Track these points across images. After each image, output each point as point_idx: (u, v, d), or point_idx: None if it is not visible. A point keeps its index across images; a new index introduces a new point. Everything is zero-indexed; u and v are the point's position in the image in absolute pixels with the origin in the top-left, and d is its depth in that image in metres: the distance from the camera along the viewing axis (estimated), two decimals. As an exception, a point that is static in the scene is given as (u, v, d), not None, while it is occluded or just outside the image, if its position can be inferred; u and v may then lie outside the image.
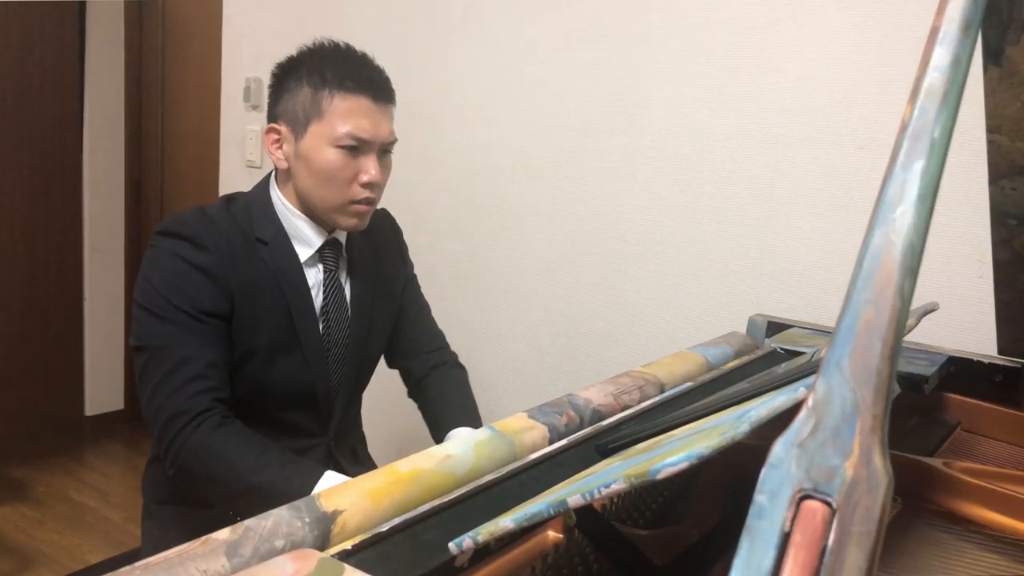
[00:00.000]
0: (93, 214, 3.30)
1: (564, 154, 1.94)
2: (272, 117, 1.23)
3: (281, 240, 1.23)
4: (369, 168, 1.18)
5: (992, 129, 0.88)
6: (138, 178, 3.40)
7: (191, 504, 1.25)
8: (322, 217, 1.23)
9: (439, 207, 2.15)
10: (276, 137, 1.21)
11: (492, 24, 2.03)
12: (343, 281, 1.31)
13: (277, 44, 2.50)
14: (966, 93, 0.42)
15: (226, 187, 2.70)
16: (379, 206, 1.34)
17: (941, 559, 0.81)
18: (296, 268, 1.24)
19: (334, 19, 2.34)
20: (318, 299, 1.27)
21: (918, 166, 0.39)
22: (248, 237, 1.21)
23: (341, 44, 1.24)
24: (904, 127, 0.41)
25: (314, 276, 1.27)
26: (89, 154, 3.25)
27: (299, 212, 1.24)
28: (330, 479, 1.07)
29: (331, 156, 1.17)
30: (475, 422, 1.32)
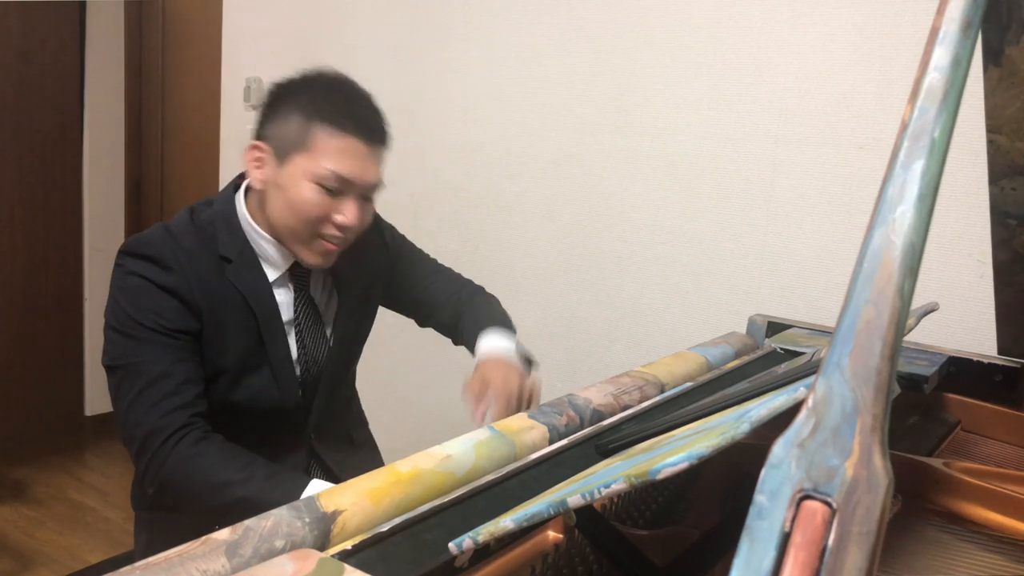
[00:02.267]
0: (93, 214, 3.30)
1: (564, 154, 1.94)
2: (258, 135, 1.17)
3: (247, 257, 1.18)
4: (346, 211, 1.13)
5: (992, 129, 0.88)
6: (138, 178, 3.40)
7: (178, 511, 1.23)
8: (288, 248, 1.19)
9: (439, 207, 2.16)
10: (258, 155, 1.16)
11: (492, 24, 2.03)
12: (316, 296, 1.27)
13: (277, 44, 2.50)
14: (966, 93, 0.42)
15: (226, 187, 2.71)
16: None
17: (941, 559, 0.81)
18: (264, 286, 1.19)
19: (334, 19, 2.34)
20: (288, 317, 1.24)
21: (918, 166, 0.39)
22: (214, 254, 1.17)
23: (344, 78, 1.19)
24: (904, 127, 0.41)
25: (284, 295, 1.23)
26: (89, 154, 3.25)
27: (265, 234, 1.19)
28: (316, 488, 1.06)
29: (308, 192, 1.11)
30: (498, 323, 1.31)
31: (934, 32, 0.42)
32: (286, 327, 1.23)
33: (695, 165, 1.75)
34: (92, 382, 3.38)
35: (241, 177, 1.25)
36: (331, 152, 1.11)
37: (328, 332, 1.29)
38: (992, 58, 0.78)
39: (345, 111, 1.13)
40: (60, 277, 3.23)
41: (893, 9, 1.50)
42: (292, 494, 1.03)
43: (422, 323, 1.46)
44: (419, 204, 2.18)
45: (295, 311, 1.24)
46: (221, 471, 1.07)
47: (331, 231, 1.14)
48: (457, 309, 1.39)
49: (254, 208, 1.19)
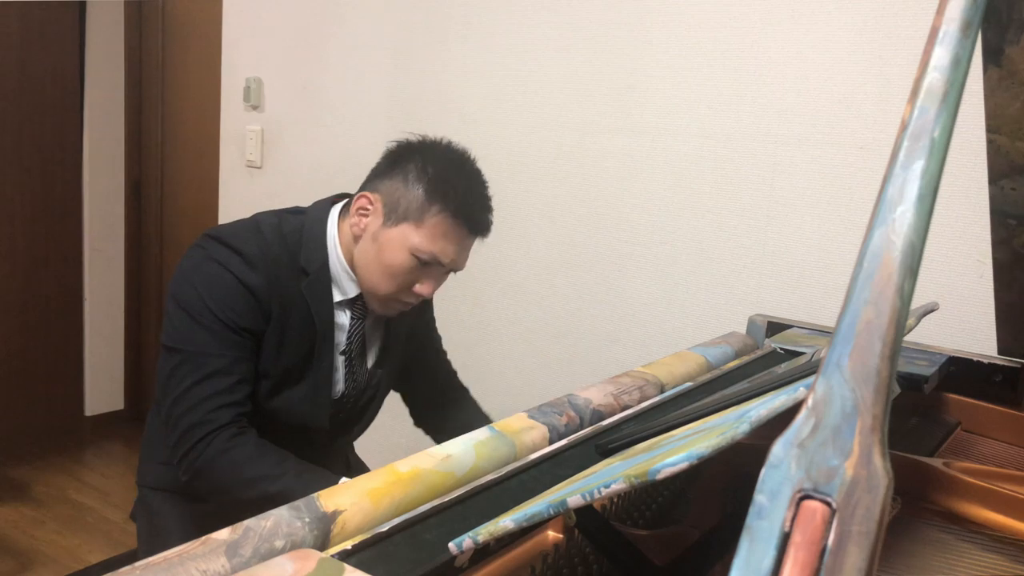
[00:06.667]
0: (93, 214, 3.30)
1: (564, 154, 1.94)
2: (373, 187, 1.19)
3: (323, 275, 1.21)
4: (428, 284, 1.19)
5: (992, 129, 0.88)
6: (138, 178, 3.40)
7: (186, 493, 1.25)
8: (364, 295, 1.23)
9: (439, 207, 2.15)
10: (367, 206, 1.18)
11: (492, 24, 2.03)
12: (368, 332, 1.29)
13: (277, 44, 2.50)
14: (966, 93, 0.42)
15: (226, 187, 2.71)
16: None
17: (941, 559, 0.81)
18: (330, 306, 1.22)
19: (334, 19, 2.34)
20: (340, 340, 1.26)
21: (918, 166, 0.39)
22: (295, 263, 1.19)
23: (468, 157, 1.23)
24: (904, 127, 0.41)
25: (341, 318, 1.25)
26: (89, 154, 3.25)
27: (344, 260, 1.22)
28: None
29: (403, 260, 1.16)
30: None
31: (934, 32, 0.42)
32: (336, 351, 1.26)
33: (695, 165, 1.75)
34: (92, 382, 3.38)
35: (340, 196, 1.27)
36: (439, 234, 1.15)
37: (369, 365, 1.32)
38: (992, 58, 0.78)
39: (464, 201, 1.16)
40: (60, 277, 3.23)
41: (893, 9, 1.50)
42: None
43: (398, 386, 1.46)
44: (419, 204, 2.18)
45: (348, 337, 1.26)
46: (255, 466, 1.09)
47: (409, 298, 1.20)
48: (448, 396, 1.44)
49: (344, 232, 1.22)
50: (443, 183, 1.15)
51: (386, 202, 1.17)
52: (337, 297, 1.23)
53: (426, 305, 1.42)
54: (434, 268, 1.18)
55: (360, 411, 1.33)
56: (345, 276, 1.22)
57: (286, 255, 1.19)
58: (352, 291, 1.23)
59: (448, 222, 1.15)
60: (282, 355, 1.20)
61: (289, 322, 1.19)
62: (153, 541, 1.30)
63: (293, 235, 1.20)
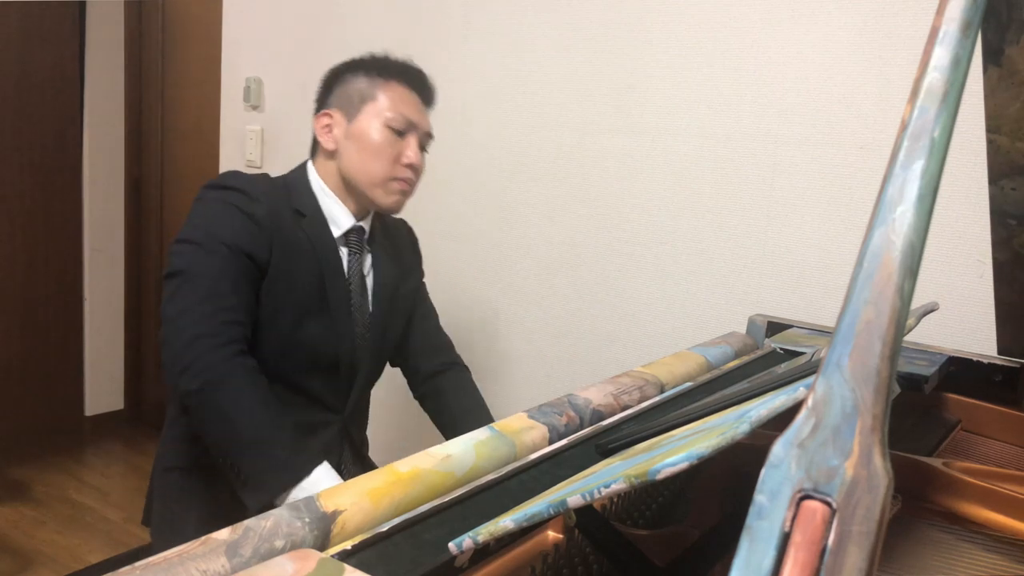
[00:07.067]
0: (93, 214, 3.30)
1: (564, 154, 1.94)
2: (324, 106, 1.33)
3: (318, 215, 1.30)
4: (410, 150, 1.30)
5: (992, 129, 0.88)
6: (138, 178, 3.40)
7: (198, 469, 1.26)
8: (364, 193, 1.30)
9: (439, 206, 2.15)
10: (327, 122, 1.31)
11: (492, 24, 2.03)
12: (364, 269, 1.37)
13: (277, 44, 2.50)
14: (966, 93, 0.42)
15: (226, 187, 2.70)
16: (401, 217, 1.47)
17: (941, 559, 0.81)
18: (331, 241, 1.30)
19: (334, 19, 2.34)
20: (344, 272, 1.33)
21: (918, 166, 0.39)
22: (289, 207, 1.27)
23: (403, 58, 1.37)
24: (904, 127, 0.41)
25: (341, 253, 1.33)
26: (89, 154, 3.25)
27: (332, 193, 1.32)
28: (325, 471, 1.09)
29: (380, 135, 1.28)
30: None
31: (934, 32, 0.42)
32: (343, 283, 1.32)
33: (695, 165, 1.75)
34: (92, 382, 3.38)
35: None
36: (396, 99, 1.30)
37: (370, 297, 1.38)
38: (992, 58, 0.78)
39: (404, 71, 1.34)
40: (60, 277, 3.23)
41: (893, 9, 1.50)
42: (307, 464, 1.07)
43: (397, 360, 1.50)
44: (418, 204, 2.17)
45: (348, 269, 1.34)
46: (256, 405, 1.10)
47: (401, 172, 1.30)
48: (438, 368, 1.46)
49: (323, 169, 1.33)
50: (381, 66, 1.32)
51: (341, 106, 1.31)
52: (334, 233, 1.32)
53: (412, 269, 1.49)
54: (410, 136, 1.30)
55: (370, 356, 1.37)
56: (337, 208, 1.32)
57: (282, 198, 1.27)
58: (346, 223, 1.32)
59: (398, 88, 1.31)
60: (295, 287, 1.25)
61: (294, 260, 1.24)
62: (171, 526, 1.29)
63: (282, 187, 1.30)
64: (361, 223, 1.35)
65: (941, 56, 0.41)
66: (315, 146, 1.35)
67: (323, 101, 1.35)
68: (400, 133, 1.29)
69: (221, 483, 1.15)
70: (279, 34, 2.49)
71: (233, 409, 1.09)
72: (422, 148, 1.33)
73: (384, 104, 1.29)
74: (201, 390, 1.09)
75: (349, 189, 1.31)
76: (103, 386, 3.42)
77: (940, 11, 0.42)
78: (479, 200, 2.09)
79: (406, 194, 1.33)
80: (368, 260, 1.38)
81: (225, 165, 2.71)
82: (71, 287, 3.27)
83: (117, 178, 3.37)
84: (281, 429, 1.09)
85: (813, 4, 1.58)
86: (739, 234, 1.70)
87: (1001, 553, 0.83)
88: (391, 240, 1.45)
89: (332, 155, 1.31)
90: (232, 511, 0.97)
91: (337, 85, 1.33)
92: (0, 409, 3.05)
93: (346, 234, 1.33)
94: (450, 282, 2.14)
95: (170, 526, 1.28)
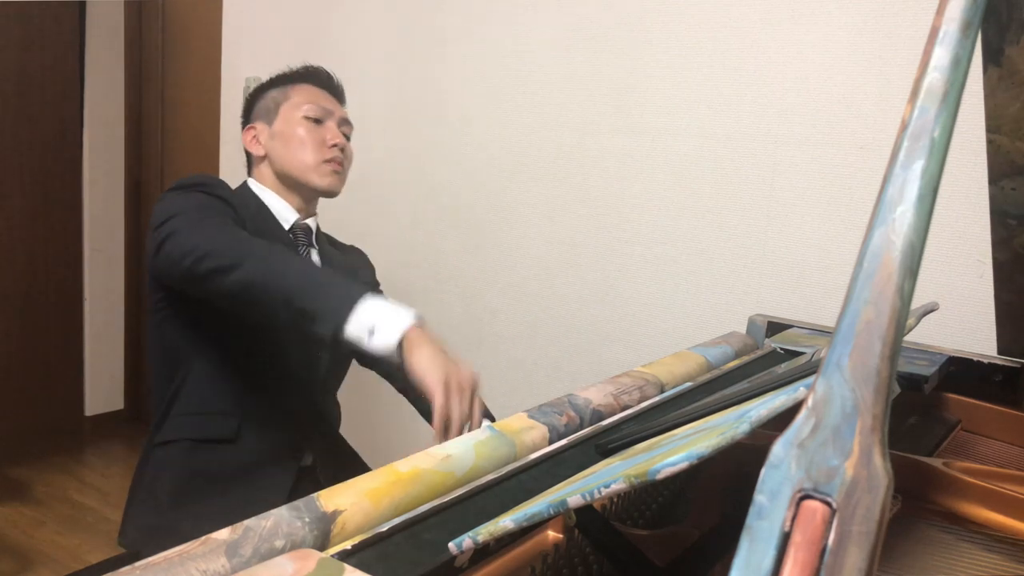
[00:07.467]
0: (93, 214, 3.30)
1: (564, 154, 1.94)
2: (248, 121, 1.45)
3: (264, 211, 1.38)
4: (329, 132, 1.39)
5: (992, 129, 0.88)
6: (138, 178, 3.40)
7: (193, 441, 1.30)
8: (300, 182, 1.38)
9: (439, 206, 2.15)
10: (253, 134, 1.43)
11: (492, 24, 2.03)
12: (315, 260, 1.43)
13: (277, 44, 2.50)
14: (966, 93, 0.42)
15: (226, 187, 2.71)
16: (360, 246, 1.56)
17: (941, 559, 0.81)
18: (280, 230, 1.38)
19: (334, 19, 2.34)
20: None
21: (918, 166, 0.39)
22: (239, 216, 1.31)
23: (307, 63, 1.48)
24: (904, 127, 0.41)
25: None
26: (89, 154, 3.25)
27: (274, 193, 1.40)
28: (375, 296, 1.02)
29: (300, 128, 1.38)
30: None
31: (934, 32, 0.42)
32: None
33: (695, 165, 1.75)
34: (92, 382, 3.38)
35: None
36: (305, 95, 1.41)
37: None
38: (992, 58, 0.78)
39: (311, 72, 1.46)
40: (60, 277, 3.23)
41: (893, 9, 1.50)
42: (348, 296, 1.01)
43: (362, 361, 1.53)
44: (419, 204, 2.18)
45: (300, 254, 1.40)
46: (293, 258, 1.16)
47: (328, 153, 1.38)
48: None
49: (260, 174, 1.43)
50: (284, 74, 1.45)
51: (260, 116, 1.42)
52: (284, 226, 1.39)
53: (364, 272, 1.55)
54: (328, 122, 1.40)
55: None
56: (280, 205, 1.40)
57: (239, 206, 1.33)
58: (291, 217, 1.40)
59: (304, 87, 1.42)
60: None
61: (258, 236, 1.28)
62: (151, 489, 1.36)
63: (231, 198, 1.34)
64: (307, 221, 1.42)
65: (941, 56, 0.41)
66: (249, 160, 1.45)
67: (246, 119, 1.46)
68: (318, 121, 1.39)
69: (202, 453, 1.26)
70: (279, 34, 2.49)
71: (279, 263, 1.08)
72: (345, 136, 1.42)
73: (298, 100, 1.39)
74: (234, 265, 1.07)
75: (288, 184, 1.40)
76: (103, 386, 3.42)
77: (940, 11, 0.42)
78: (479, 200, 2.09)
79: (339, 174, 1.40)
80: (315, 254, 1.43)
81: (225, 165, 2.71)
82: (71, 287, 3.27)
83: (117, 178, 3.37)
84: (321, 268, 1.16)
85: (813, 4, 1.58)
86: (739, 234, 1.70)
87: (1001, 553, 0.83)
88: (345, 255, 1.53)
89: (264, 160, 1.41)
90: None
91: (255, 103, 1.45)
92: (0, 409, 3.05)
93: (292, 230, 1.40)
94: (451, 282, 2.14)
95: (148, 492, 1.36)
